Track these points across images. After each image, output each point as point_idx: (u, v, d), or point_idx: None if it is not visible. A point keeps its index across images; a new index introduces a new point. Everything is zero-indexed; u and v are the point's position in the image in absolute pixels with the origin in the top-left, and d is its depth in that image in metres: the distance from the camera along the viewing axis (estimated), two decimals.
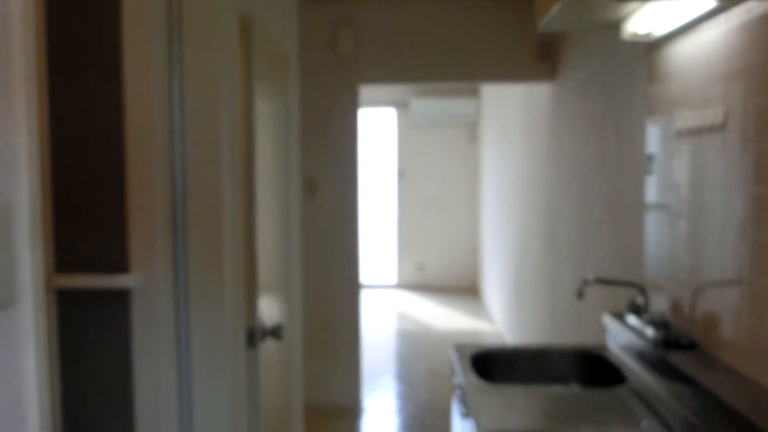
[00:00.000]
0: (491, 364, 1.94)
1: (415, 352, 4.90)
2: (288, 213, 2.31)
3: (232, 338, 1.56)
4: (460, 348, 1.97)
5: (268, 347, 1.93)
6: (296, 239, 2.55)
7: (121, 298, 1.45)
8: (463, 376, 1.71)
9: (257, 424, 1.76)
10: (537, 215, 3.90)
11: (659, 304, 1.83)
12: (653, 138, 1.90)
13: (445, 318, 6.02)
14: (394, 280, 7.50)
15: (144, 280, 1.42)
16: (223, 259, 1.51)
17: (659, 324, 1.71)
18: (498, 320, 5.55)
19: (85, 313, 1.47)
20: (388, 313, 6.27)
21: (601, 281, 1.83)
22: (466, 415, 1.58)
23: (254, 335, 1.67)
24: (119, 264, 1.45)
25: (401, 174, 7.35)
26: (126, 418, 1.48)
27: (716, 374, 1.41)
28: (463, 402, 1.62)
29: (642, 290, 1.83)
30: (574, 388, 1.84)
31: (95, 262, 1.46)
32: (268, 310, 1.92)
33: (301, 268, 2.71)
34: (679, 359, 1.54)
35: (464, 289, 7.24)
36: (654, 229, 1.88)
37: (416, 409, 3.74)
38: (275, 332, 1.73)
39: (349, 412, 3.57)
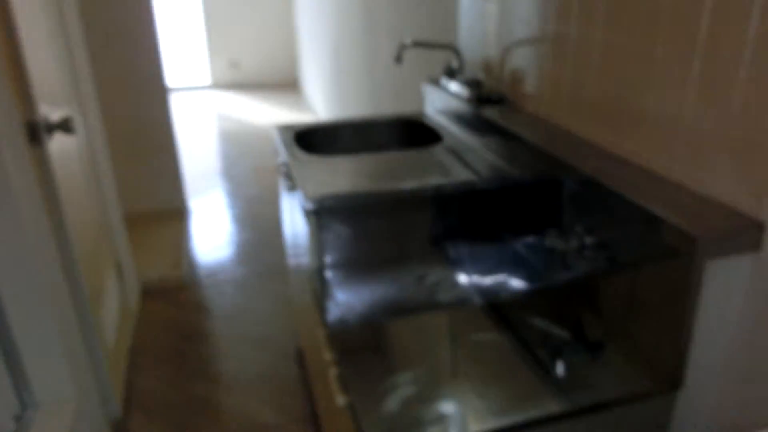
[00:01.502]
0: (314, 140, 1.92)
1: (240, 151, 4.78)
2: None
3: (6, 134, 1.33)
4: (282, 129, 1.90)
5: (64, 147, 1.70)
6: (75, 31, 2.16)
7: None
8: (286, 152, 1.67)
9: (64, 233, 1.60)
10: None
11: (472, 66, 1.88)
12: None
13: (266, 114, 5.87)
14: (208, 81, 7.03)
15: None
16: None
17: (472, 83, 1.76)
18: (320, 110, 5.53)
19: None
20: (205, 114, 5.95)
21: (418, 44, 1.81)
22: (291, 188, 1.56)
23: (37, 129, 1.43)
24: None
25: None
26: None
27: (521, 120, 1.50)
28: (288, 176, 1.60)
29: (456, 52, 1.85)
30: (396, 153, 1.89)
31: None
32: (51, 101, 1.65)
33: (88, 61, 2.35)
34: (489, 113, 1.62)
35: (283, 84, 7.02)
36: None
37: (245, 203, 3.74)
38: (64, 125, 1.50)
39: (176, 214, 3.47)
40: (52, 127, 1.50)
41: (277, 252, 3.08)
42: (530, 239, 1.41)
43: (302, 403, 2.01)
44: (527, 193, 1.40)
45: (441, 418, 0.91)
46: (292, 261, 1.99)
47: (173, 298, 2.67)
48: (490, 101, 1.71)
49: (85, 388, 1.74)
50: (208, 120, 5.75)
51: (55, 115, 1.57)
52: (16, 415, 1.51)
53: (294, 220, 1.72)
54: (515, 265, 1.35)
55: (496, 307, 1.21)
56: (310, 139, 1.91)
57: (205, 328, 2.45)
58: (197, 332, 2.43)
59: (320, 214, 1.35)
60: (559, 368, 1.02)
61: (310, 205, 1.33)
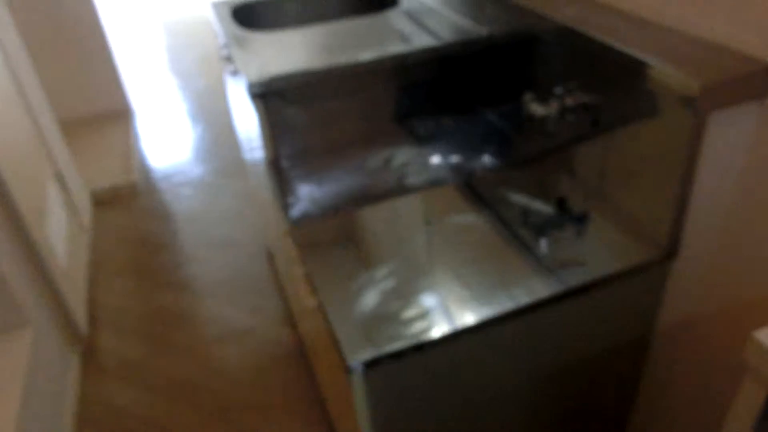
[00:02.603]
0: (255, 15, 1.70)
1: (183, 42, 4.42)
2: None
3: None
4: (218, 5, 1.67)
5: None
6: None
7: None
8: (224, 32, 1.46)
9: None
10: None
11: None
12: None
13: None
14: None
15: None
16: None
17: None
18: None
19: None
20: (142, 4, 5.44)
21: None
22: (234, 72, 1.38)
23: None
24: None
25: None
26: None
27: None
28: (230, 59, 1.41)
29: None
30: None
31: None
32: None
33: None
34: None
35: None
36: None
37: (195, 98, 3.49)
38: None
39: (120, 115, 3.22)
40: None
41: (234, 147, 2.91)
42: (505, 108, 1.28)
43: (276, 304, 1.95)
44: (498, 54, 1.25)
45: (422, 313, 0.82)
46: (247, 155, 1.84)
47: (128, 206, 2.52)
48: None
49: (42, 311, 1.63)
50: (144, 10, 5.27)
51: None
52: None
53: (242, 108, 1.55)
54: (490, 138, 1.23)
55: (472, 186, 1.10)
56: (251, 15, 1.69)
57: (165, 235, 2.33)
58: (157, 240, 2.31)
59: (267, 97, 1.19)
60: (544, 246, 0.93)
61: (255, 89, 1.17)
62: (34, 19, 2.89)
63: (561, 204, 1.02)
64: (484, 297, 0.84)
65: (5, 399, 1.35)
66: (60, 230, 1.91)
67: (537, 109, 0.95)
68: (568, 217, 1.00)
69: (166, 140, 3.04)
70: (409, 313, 0.82)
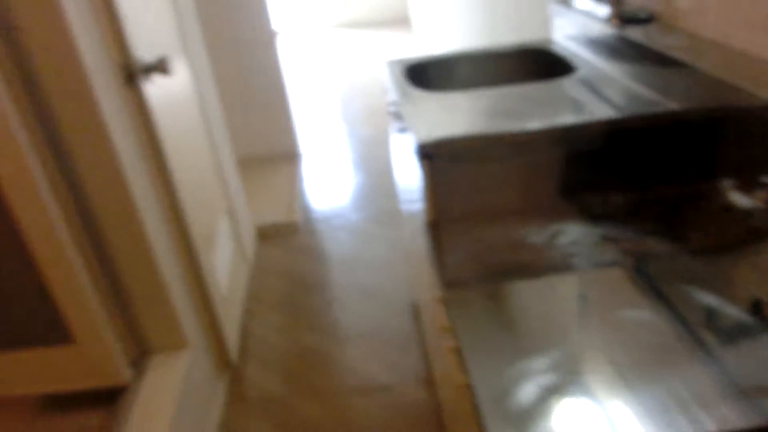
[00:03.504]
0: (428, 75, 1.73)
1: (351, 91, 4.67)
2: None
3: (100, 76, 1.27)
4: (392, 64, 1.72)
5: (169, 91, 1.65)
6: None
7: None
8: (397, 89, 1.50)
9: (168, 177, 1.56)
10: None
11: None
12: None
13: (377, 52, 5.69)
14: (320, 20, 6.93)
15: None
16: None
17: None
18: (432, 46, 5.25)
19: None
20: (317, 54, 5.87)
21: None
22: (403, 129, 1.40)
23: (132, 71, 1.37)
24: None
25: None
26: None
27: (677, 41, 1.22)
28: (400, 116, 1.44)
29: None
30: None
31: None
32: (149, 44, 1.59)
33: (192, 4, 2.29)
34: (634, 34, 1.35)
35: (393, 21, 6.76)
36: None
37: (359, 145, 3.64)
38: (160, 66, 1.43)
39: (289, 157, 3.44)
40: (148, 69, 1.43)
41: (391, 197, 2.97)
42: (691, 190, 1.16)
43: (417, 362, 1.91)
44: (688, 131, 1.14)
45: (583, 420, 0.73)
46: (405, 207, 1.85)
47: (287, 244, 2.65)
48: (635, 20, 1.42)
49: (200, 335, 1.74)
50: (319, 60, 5.67)
51: (150, 55, 1.51)
52: (132, 361, 1.53)
53: (407, 164, 1.57)
54: (670, 222, 1.11)
55: (645, 273, 0.99)
56: (423, 75, 1.72)
57: (318, 276, 2.41)
58: (311, 280, 2.39)
59: (435, 158, 1.18)
60: (735, 359, 0.80)
61: (424, 150, 1.17)
62: (228, 70, 3.21)
63: (757, 308, 0.88)
64: (659, 415, 0.73)
65: (161, 413, 1.44)
66: (225, 260, 2.05)
67: (738, 198, 0.84)
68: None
69: (329, 184, 3.19)
70: (568, 418, 0.74)
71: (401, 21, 6.72)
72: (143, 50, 1.46)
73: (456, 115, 1.28)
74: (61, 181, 1.32)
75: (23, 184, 1.23)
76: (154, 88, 1.51)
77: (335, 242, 2.63)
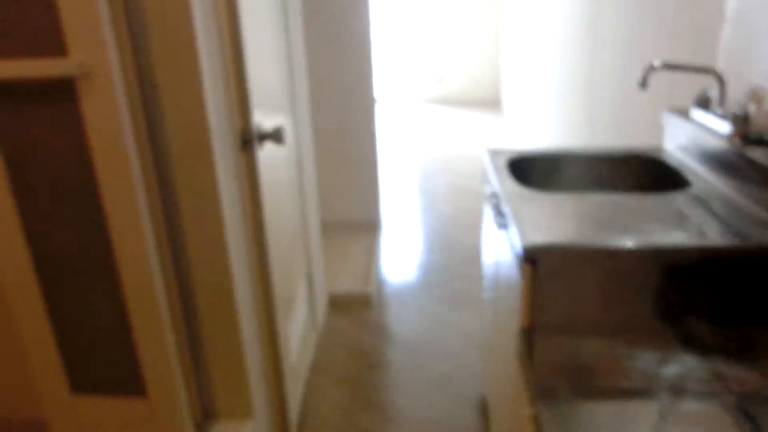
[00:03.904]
0: (530, 171, 1.70)
1: (436, 166, 4.70)
2: (286, 15, 1.94)
3: (221, 139, 1.32)
4: (494, 153, 1.71)
5: (274, 155, 1.69)
6: (297, 41, 2.19)
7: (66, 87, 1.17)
8: (498, 182, 1.48)
9: (263, 241, 1.57)
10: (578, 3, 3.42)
11: (736, 97, 1.52)
12: None
13: (466, 131, 5.75)
14: (413, 94, 7.12)
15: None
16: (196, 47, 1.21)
17: (737, 118, 1.42)
18: (522, 133, 5.26)
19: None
20: (406, 126, 6.00)
21: (670, 66, 1.51)
22: (503, 225, 1.37)
23: (249, 138, 1.41)
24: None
25: None
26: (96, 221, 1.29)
27: None
28: (500, 211, 1.40)
29: (719, 78, 1.51)
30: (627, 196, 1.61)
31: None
32: (266, 109, 1.64)
33: (306, 70, 2.38)
34: (758, 155, 1.28)
35: (485, 102, 6.86)
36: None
37: (438, 222, 3.62)
38: (276, 135, 1.47)
39: (370, 227, 3.46)
40: (264, 137, 1.48)
41: (466, 281, 2.90)
42: None
43: None
44: None
45: None
46: (489, 302, 1.79)
47: (358, 316, 2.62)
48: (760, 141, 1.35)
49: (266, 404, 1.71)
50: (408, 132, 5.79)
51: (268, 124, 1.56)
52: (197, 424, 1.51)
53: (500, 260, 1.52)
54: None
55: (748, 415, 0.89)
56: (525, 169, 1.69)
57: (385, 355, 2.35)
58: (377, 358, 2.33)
59: (538, 264, 1.13)
60: None
61: (529, 253, 1.12)
62: (326, 131, 3.31)
63: None
64: None
65: None
66: (299, 327, 2.04)
67: None
68: None
69: (402, 258, 3.16)
70: None
71: (492, 102, 6.81)
72: (260, 115, 1.52)
73: (564, 221, 1.23)
74: (167, 242, 1.35)
75: (134, 247, 1.27)
76: (263, 152, 1.55)
77: (406, 321, 2.57)
